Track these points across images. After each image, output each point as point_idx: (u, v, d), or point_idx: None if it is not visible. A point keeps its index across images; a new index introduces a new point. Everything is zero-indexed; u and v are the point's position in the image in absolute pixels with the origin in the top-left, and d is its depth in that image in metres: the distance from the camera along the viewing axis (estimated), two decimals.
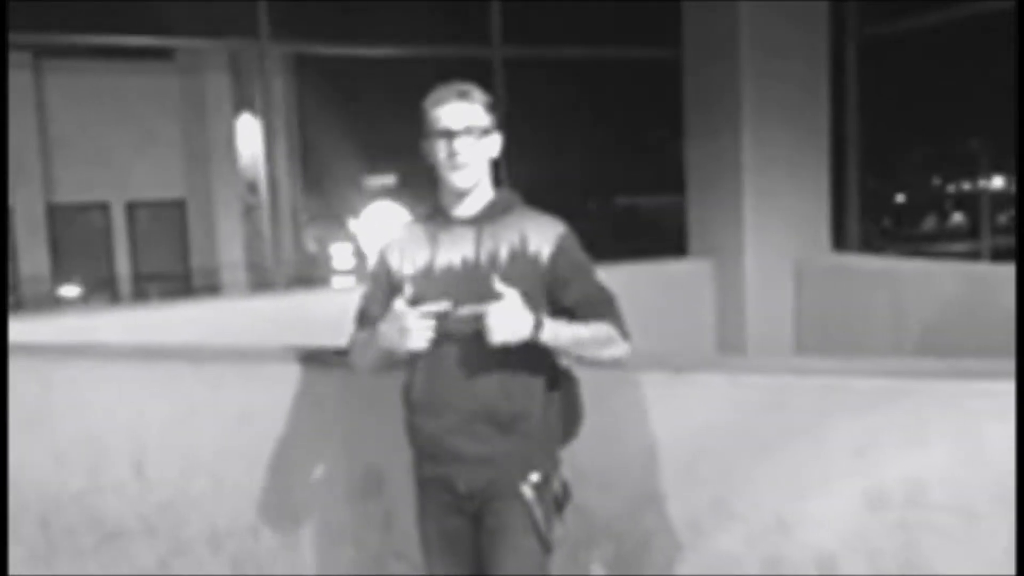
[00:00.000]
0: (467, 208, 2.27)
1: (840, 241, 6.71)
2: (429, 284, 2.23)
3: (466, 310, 2.11)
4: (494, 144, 2.29)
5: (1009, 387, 2.46)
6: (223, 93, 14.58)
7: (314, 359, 2.98)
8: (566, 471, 2.54)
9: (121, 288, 14.77)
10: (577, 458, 2.68)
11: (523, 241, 2.23)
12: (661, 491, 2.71)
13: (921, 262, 6.10)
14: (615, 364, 2.30)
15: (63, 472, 3.22)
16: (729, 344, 6.30)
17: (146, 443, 3.14)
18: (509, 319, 2.07)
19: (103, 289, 14.62)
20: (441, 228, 2.28)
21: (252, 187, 14.77)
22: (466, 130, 2.21)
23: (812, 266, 6.33)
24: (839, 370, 2.66)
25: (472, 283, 2.19)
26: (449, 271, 2.24)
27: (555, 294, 2.23)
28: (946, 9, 6.17)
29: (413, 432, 2.32)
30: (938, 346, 5.16)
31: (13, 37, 11.85)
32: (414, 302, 2.19)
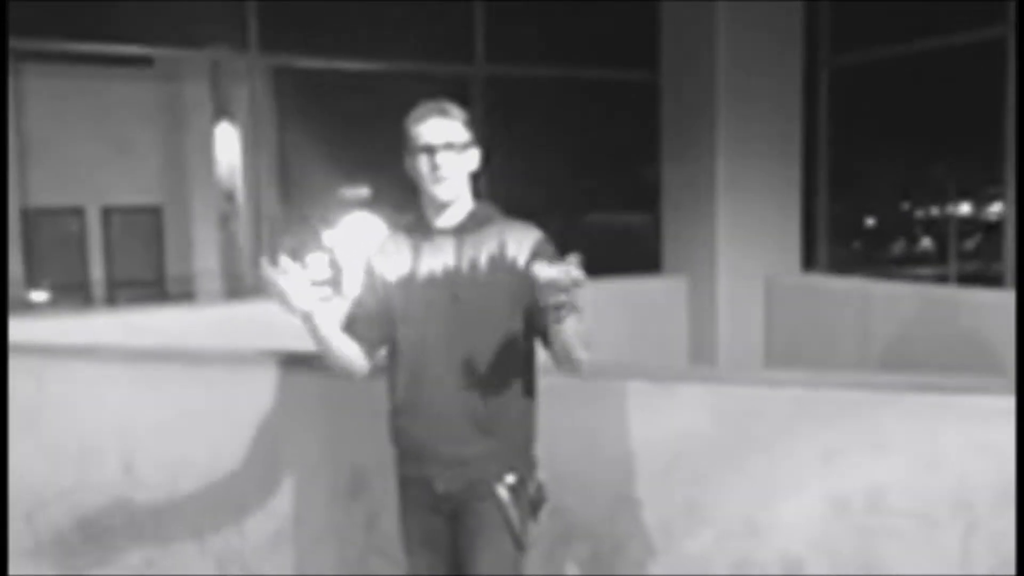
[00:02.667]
0: (448, 219, 2.37)
1: (810, 262, 6.89)
2: (411, 292, 2.33)
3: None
4: (473, 158, 2.39)
5: (963, 400, 2.62)
6: (202, 101, 14.59)
7: (300, 362, 3.06)
8: (545, 473, 2.65)
9: (95, 293, 14.70)
10: (557, 461, 2.79)
11: (502, 248, 2.32)
12: (636, 495, 2.83)
13: (886, 283, 6.28)
14: (573, 371, 2.25)
15: (53, 469, 3.28)
16: (701, 359, 6.44)
17: (135, 442, 3.21)
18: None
19: (75, 294, 14.54)
20: (423, 238, 2.37)
21: (229, 195, 14.78)
22: (446, 145, 2.30)
23: (782, 285, 6.51)
24: (807, 383, 2.79)
25: (452, 291, 2.30)
26: (431, 279, 2.33)
27: (529, 297, 2.22)
28: (917, 41, 6.38)
29: (395, 433, 2.41)
30: (901, 364, 5.33)
31: None
32: (402, 311, 2.31)
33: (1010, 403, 2.55)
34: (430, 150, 2.30)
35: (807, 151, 6.74)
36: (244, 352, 3.29)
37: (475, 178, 2.45)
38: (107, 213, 14.62)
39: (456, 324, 2.30)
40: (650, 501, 2.82)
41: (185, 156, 14.61)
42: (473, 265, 2.32)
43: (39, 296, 14.62)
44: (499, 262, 2.32)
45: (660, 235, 6.91)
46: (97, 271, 14.68)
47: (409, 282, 2.34)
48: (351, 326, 2.40)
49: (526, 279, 2.28)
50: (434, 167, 2.30)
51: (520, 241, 2.34)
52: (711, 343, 6.43)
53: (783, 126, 6.53)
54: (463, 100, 2.44)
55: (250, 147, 14.07)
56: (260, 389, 3.08)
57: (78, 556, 3.29)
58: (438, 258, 2.34)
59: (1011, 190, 5.50)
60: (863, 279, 6.43)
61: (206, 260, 14.53)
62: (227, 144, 14.66)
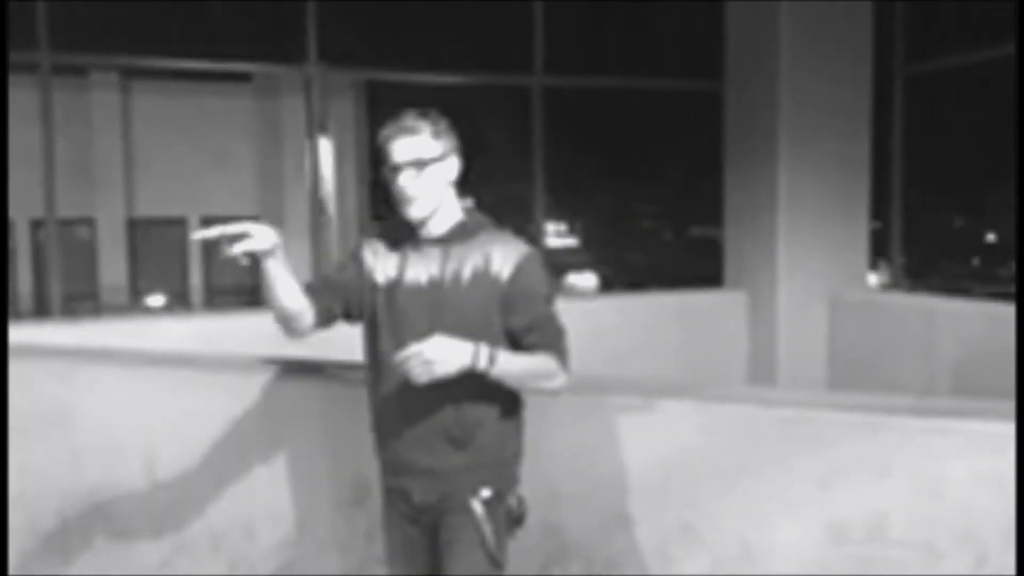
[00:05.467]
0: (435, 229, 2.34)
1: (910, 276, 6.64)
2: (393, 299, 2.32)
3: (398, 358, 2.13)
4: (449, 168, 2.33)
5: (970, 426, 2.47)
6: (297, 115, 15.02)
7: (309, 370, 3.11)
8: (539, 488, 2.62)
9: (193, 299, 15.26)
10: (550, 477, 2.77)
11: (487, 261, 2.28)
12: (631, 514, 2.77)
13: (953, 301, 5.97)
14: (552, 395, 2.31)
15: (80, 469, 3.40)
16: (760, 377, 6.27)
17: (155, 445, 3.31)
18: (444, 352, 2.11)
19: (176, 300, 15.16)
20: (411, 246, 2.36)
21: (321, 206, 15.14)
22: (411, 163, 2.26)
23: (846, 301, 6.28)
24: (806, 402, 2.69)
25: (434, 301, 2.28)
26: (415, 287, 2.31)
27: (507, 314, 2.26)
28: (996, 47, 6.08)
29: (376, 444, 2.42)
30: (967, 385, 5.08)
31: (103, 59, 12.39)
32: (382, 317, 2.32)
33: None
34: (395, 170, 2.28)
35: (882, 162, 6.50)
36: (257, 358, 3.35)
37: (460, 185, 2.42)
38: (207, 223, 15.18)
39: (434, 335, 2.28)
40: (644, 520, 2.75)
41: (281, 168, 15.07)
42: (456, 277, 2.30)
43: (156, 301, 15.35)
44: (482, 275, 2.28)
45: (722, 247, 6.78)
46: (196, 278, 15.27)
47: (393, 288, 2.34)
48: (311, 285, 2.39)
49: (505, 292, 2.27)
50: (400, 188, 2.28)
51: (506, 255, 2.29)
52: (771, 361, 6.25)
53: (850, 138, 6.31)
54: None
55: (340, 158, 14.42)
56: (271, 395, 3.14)
57: (102, 555, 3.40)
58: (423, 267, 2.33)
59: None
60: (930, 296, 6.16)
61: (299, 268, 14.92)
62: (322, 156, 15.05)
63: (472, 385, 2.24)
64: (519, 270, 2.28)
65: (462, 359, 2.13)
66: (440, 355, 2.10)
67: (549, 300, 2.32)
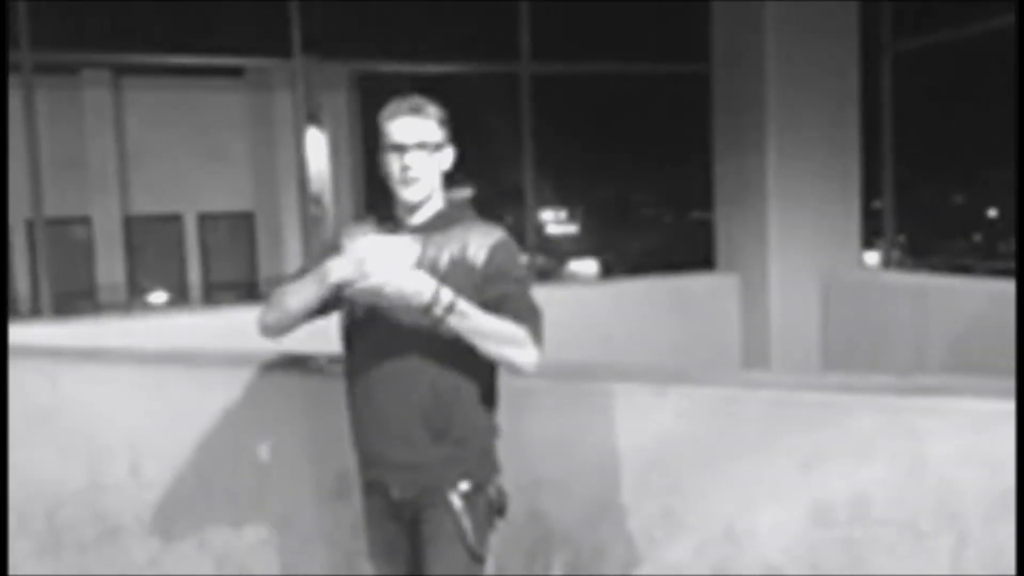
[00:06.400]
0: (417, 218, 2.33)
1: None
2: None
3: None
4: (446, 158, 2.34)
5: (951, 404, 2.46)
6: (290, 108, 15.02)
7: (293, 363, 3.10)
8: (523, 476, 2.61)
9: (192, 295, 15.26)
10: (535, 465, 2.76)
11: (463, 249, 2.27)
12: (616, 500, 2.76)
13: (947, 278, 5.95)
14: (517, 370, 2.19)
15: (67, 469, 3.40)
16: (754, 359, 6.25)
17: (142, 443, 3.30)
18: (405, 274, 2.07)
19: (180, 296, 15.18)
20: (390, 235, 2.33)
21: (317, 200, 15.11)
22: (418, 145, 2.25)
23: (838, 281, 6.26)
24: (787, 384, 2.68)
25: None
26: None
27: (480, 294, 2.21)
28: (984, 21, 6.04)
29: (353, 437, 2.40)
30: (962, 363, 5.06)
31: (94, 56, 12.39)
32: (359, 309, 2.29)
33: (1001, 406, 2.39)
34: (400, 149, 2.25)
35: (872, 141, 6.46)
36: (243, 353, 3.34)
37: (448, 177, 2.42)
38: (203, 219, 15.20)
39: (411, 325, 2.26)
40: (629, 507, 2.74)
41: (275, 163, 15.05)
42: (433, 264, 2.27)
43: (158, 298, 15.37)
44: (459, 263, 2.26)
45: (713, 231, 6.75)
46: (194, 274, 15.27)
47: None
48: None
49: (484, 281, 2.25)
50: (403, 168, 2.26)
51: (480, 243, 2.28)
52: (764, 342, 6.23)
53: (839, 116, 6.28)
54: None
55: (334, 152, 14.39)
56: (255, 390, 3.12)
57: (91, 554, 3.40)
58: None
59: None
60: (923, 274, 6.14)
61: (296, 262, 14.94)
62: (315, 150, 15.03)
63: (453, 374, 2.24)
64: (492, 252, 2.27)
65: (421, 289, 2.07)
66: (400, 274, 2.05)
67: (522, 283, 2.28)
